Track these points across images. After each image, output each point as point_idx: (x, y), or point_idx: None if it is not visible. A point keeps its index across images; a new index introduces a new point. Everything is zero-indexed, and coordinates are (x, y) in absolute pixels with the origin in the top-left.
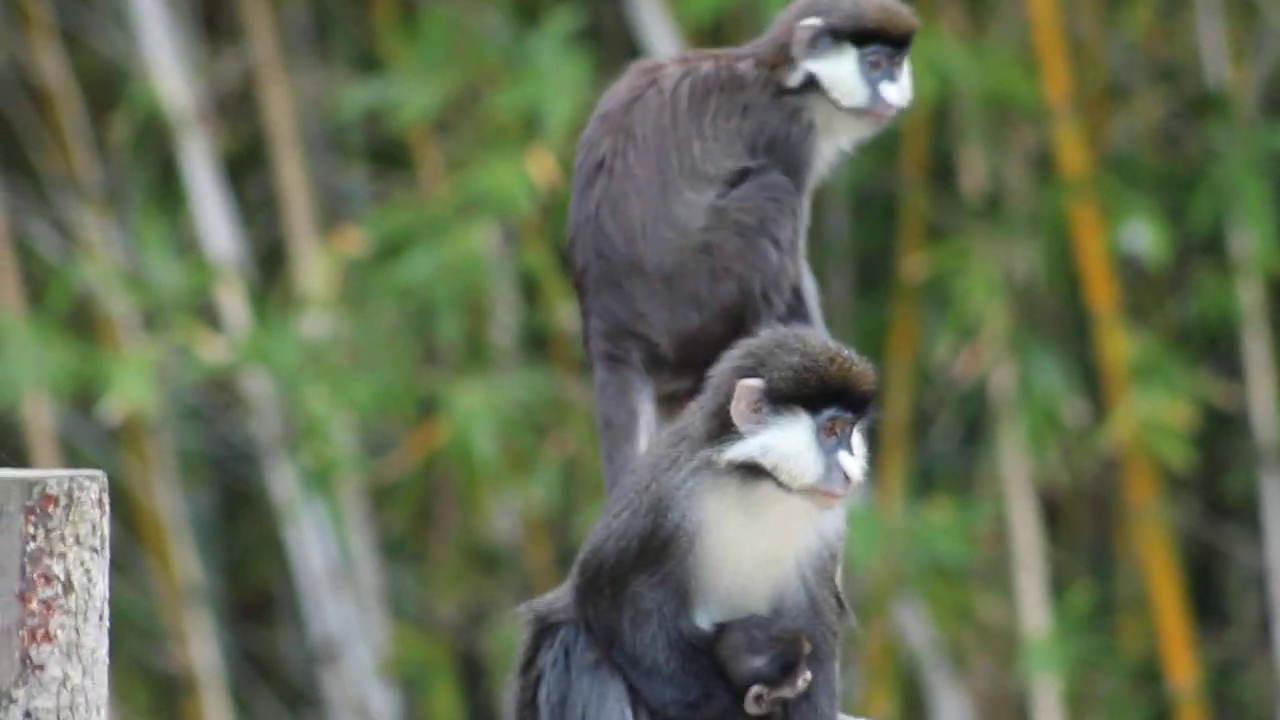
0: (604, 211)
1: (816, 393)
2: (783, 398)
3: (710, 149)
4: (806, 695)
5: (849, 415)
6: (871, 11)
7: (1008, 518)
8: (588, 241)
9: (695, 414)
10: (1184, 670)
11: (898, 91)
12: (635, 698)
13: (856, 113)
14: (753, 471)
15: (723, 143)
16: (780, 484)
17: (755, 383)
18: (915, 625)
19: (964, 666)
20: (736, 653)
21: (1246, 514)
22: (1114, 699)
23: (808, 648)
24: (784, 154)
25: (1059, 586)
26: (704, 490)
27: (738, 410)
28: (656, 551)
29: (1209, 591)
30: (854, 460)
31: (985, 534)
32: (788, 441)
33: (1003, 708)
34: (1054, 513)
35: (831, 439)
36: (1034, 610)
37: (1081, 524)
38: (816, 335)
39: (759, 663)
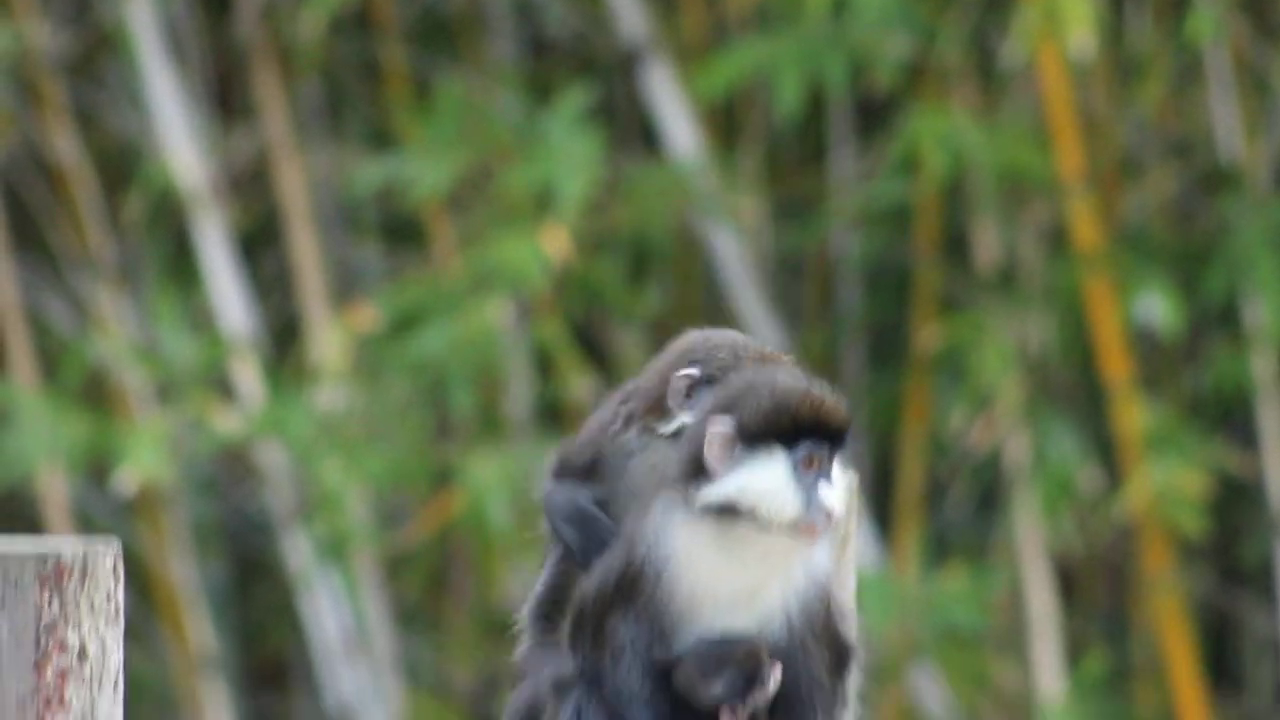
0: None
1: (789, 428)
2: (755, 436)
3: None
4: (790, 712)
5: (825, 448)
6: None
7: (1023, 585)
8: None
9: (671, 462)
10: None
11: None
12: None
13: None
14: (730, 510)
15: None
16: (758, 523)
17: (727, 423)
18: (930, 690)
19: None
20: (693, 682)
21: (1261, 581)
22: None
23: (768, 657)
24: None
25: (1074, 653)
26: (673, 527)
27: (711, 453)
28: (628, 588)
29: (1224, 657)
30: (833, 492)
31: (1000, 601)
32: (763, 480)
33: None
34: (1069, 580)
35: (809, 473)
36: (1049, 676)
37: (1096, 591)
38: (788, 372)
39: (718, 686)
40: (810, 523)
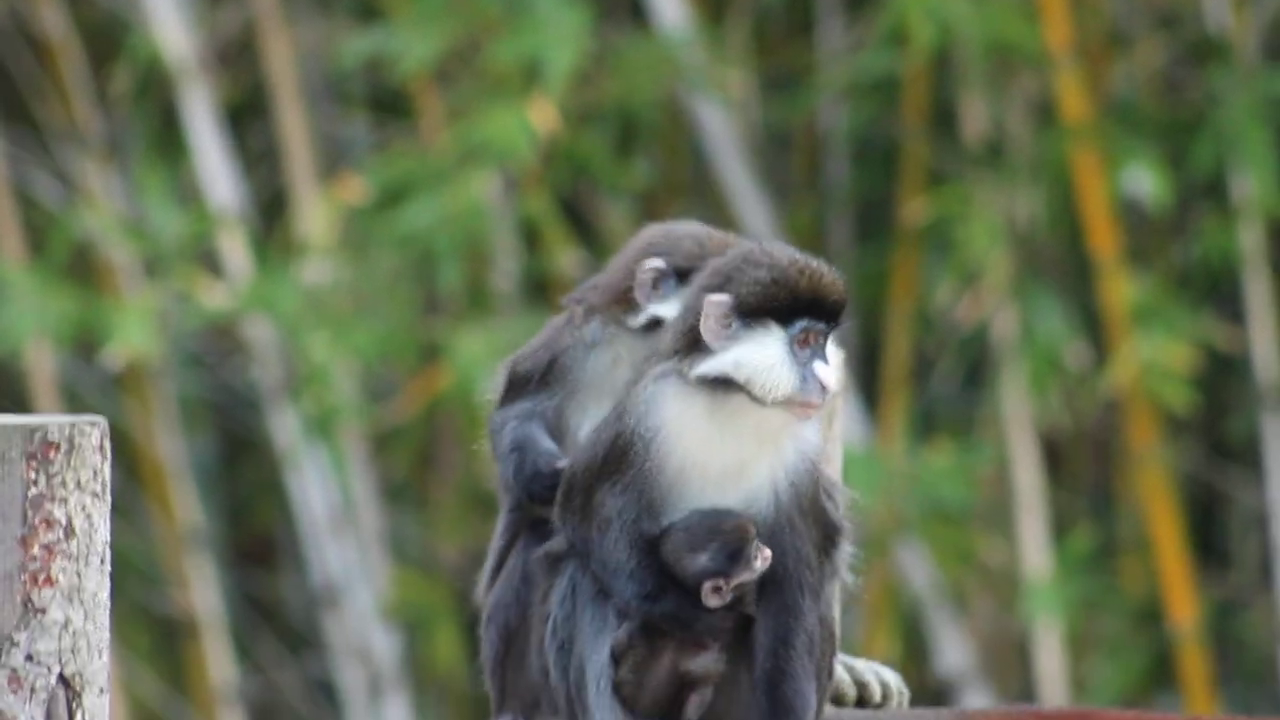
0: None
1: (787, 305)
2: (752, 311)
3: None
4: (777, 588)
5: (821, 325)
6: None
7: (1009, 460)
8: None
9: (665, 334)
10: (1185, 611)
11: None
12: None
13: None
14: (724, 385)
15: None
16: (754, 397)
17: (723, 298)
18: (916, 567)
19: (965, 608)
20: (679, 554)
21: (1248, 456)
22: (1115, 639)
23: (753, 531)
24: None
25: (1060, 528)
26: (665, 398)
27: (707, 327)
28: (617, 459)
29: (1210, 533)
30: (829, 370)
31: (987, 476)
32: (760, 355)
33: (1004, 649)
34: (1055, 455)
35: (805, 350)
36: (1035, 552)
37: (1083, 466)
38: (784, 248)
39: (703, 559)
40: (806, 399)
